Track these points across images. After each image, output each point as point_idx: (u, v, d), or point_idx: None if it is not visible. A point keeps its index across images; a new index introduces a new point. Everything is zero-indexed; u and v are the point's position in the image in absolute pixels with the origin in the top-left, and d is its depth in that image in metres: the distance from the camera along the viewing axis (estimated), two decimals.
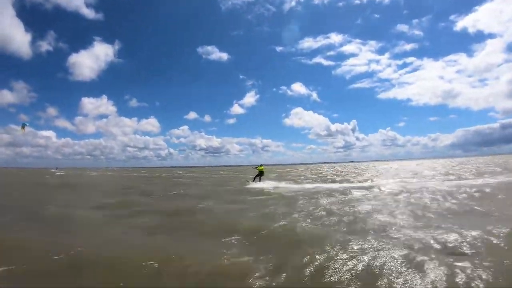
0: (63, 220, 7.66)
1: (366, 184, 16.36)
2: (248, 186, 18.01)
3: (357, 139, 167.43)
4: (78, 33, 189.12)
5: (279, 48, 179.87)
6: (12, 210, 9.27)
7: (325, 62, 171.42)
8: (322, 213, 7.68)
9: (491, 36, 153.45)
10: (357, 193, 11.68)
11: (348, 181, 19.98)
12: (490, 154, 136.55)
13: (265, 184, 18.18)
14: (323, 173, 33.70)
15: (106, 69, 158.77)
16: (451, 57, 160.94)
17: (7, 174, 46.96)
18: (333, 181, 20.21)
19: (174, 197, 13.34)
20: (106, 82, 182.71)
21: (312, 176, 27.23)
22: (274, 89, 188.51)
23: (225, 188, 17.49)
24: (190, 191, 15.64)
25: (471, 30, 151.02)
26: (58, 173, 47.55)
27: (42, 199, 12.77)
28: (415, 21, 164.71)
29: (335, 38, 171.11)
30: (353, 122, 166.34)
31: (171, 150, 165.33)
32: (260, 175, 21.15)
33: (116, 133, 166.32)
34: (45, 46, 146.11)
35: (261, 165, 21.59)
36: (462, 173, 21.92)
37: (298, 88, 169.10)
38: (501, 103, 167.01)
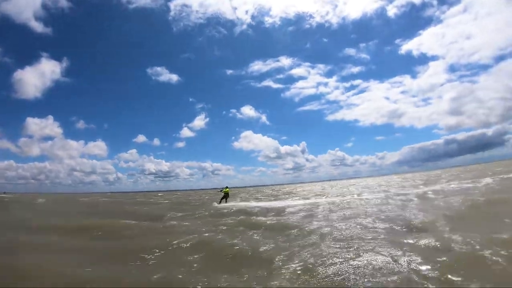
0: None
1: None
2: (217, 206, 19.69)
3: (307, 160, 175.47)
4: (25, 48, 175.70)
5: (229, 71, 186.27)
6: None
7: (274, 85, 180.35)
8: None
9: (434, 58, 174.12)
10: None
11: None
12: (435, 169, 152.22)
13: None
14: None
15: (52, 88, 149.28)
16: (396, 78, 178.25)
17: None
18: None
19: None
20: (52, 102, 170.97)
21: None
22: (224, 112, 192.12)
23: None
24: None
25: (415, 53, 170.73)
26: (6, 198, 43.33)
27: None
28: (362, 45, 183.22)
29: (284, 61, 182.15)
30: (303, 144, 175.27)
31: (120, 175, 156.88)
32: (226, 196, 22.52)
33: (62, 156, 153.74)
34: None
35: (227, 187, 23.21)
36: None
37: (248, 111, 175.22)
38: (444, 120, 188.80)
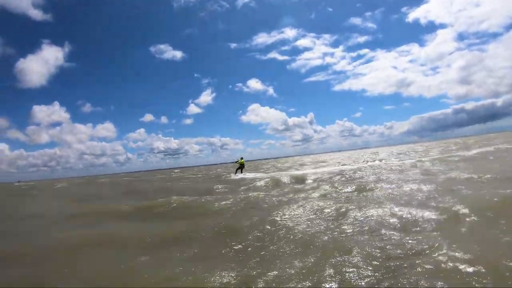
0: None
1: None
2: (232, 178, 19.01)
3: (315, 131, 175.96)
4: (26, 36, 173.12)
5: (233, 45, 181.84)
6: None
7: (280, 57, 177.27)
8: None
9: (442, 26, 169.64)
10: None
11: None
12: (443, 138, 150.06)
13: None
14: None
15: (56, 74, 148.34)
16: (404, 47, 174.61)
17: None
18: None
19: None
20: (57, 88, 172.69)
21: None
22: (230, 86, 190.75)
23: None
24: None
25: (422, 21, 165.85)
26: (24, 186, 42.73)
27: None
28: (368, 13, 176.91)
29: (289, 32, 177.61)
30: (310, 115, 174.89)
31: (129, 155, 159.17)
32: (241, 167, 22.39)
33: (71, 141, 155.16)
34: None
35: (242, 158, 22.84)
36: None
37: (254, 84, 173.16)
38: (453, 90, 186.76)
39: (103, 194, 17.08)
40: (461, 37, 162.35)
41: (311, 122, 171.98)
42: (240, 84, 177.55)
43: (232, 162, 26.43)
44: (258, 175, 18.89)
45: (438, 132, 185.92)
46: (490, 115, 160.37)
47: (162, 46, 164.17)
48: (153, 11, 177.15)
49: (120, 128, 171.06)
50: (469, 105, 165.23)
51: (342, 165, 21.06)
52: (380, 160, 21.58)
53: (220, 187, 13.26)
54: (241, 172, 21.76)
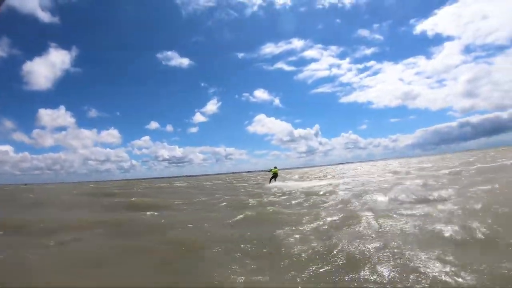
0: None
1: None
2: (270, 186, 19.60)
3: (320, 143, 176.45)
4: (33, 39, 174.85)
5: (240, 54, 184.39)
6: None
7: (287, 68, 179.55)
8: None
9: (449, 38, 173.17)
10: None
11: None
12: (447, 152, 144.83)
13: None
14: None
15: (63, 78, 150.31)
16: (411, 60, 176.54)
17: None
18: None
19: None
20: (64, 92, 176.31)
21: None
22: (236, 96, 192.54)
23: None
24: None
25: (430, 33, 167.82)
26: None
27: None
28: (375, 25, 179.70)
29: (296, 43, 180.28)
30: (316, 127, 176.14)
31: (134, 162, 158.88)
32: (274, 176, 22.58)
33: (76, 146, 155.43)
34: None
35: (275, 167, 23.10)
36: None
37: (261, 94, 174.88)
38: (459, 103, 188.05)
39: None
40: (468, 49, 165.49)
41: (316, 134, 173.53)
42: (246, 94, 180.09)
43: (264, 171, 27.00)
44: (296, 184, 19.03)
45: (442, 146, 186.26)
46: (495, 128, 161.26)
47: (169, 53, 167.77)
48: (161, 17, 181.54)
49: (125, 134, 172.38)
50: (474, 118, 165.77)
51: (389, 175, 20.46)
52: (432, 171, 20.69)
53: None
54: (275, 181, 21.93)
